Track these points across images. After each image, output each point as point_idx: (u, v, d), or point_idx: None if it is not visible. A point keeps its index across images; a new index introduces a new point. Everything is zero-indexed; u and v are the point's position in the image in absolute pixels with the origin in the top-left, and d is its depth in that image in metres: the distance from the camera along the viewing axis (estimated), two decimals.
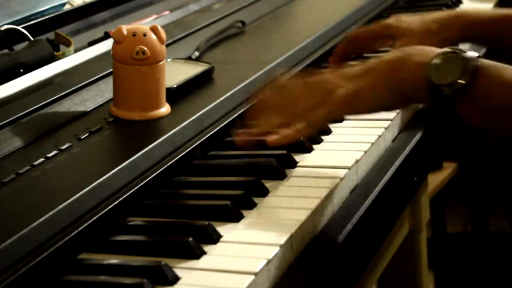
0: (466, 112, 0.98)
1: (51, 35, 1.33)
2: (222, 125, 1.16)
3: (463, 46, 1.04)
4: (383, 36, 1.38)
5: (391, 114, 1.24)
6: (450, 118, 0.98)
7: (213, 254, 0.88)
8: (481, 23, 1.31)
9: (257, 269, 0.84)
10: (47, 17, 1.36)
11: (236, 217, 0.95)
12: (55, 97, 1.17)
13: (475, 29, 1.31)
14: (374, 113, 1.10)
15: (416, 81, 0.99)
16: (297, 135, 1.05)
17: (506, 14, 1.31)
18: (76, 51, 1.32)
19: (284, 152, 1.09)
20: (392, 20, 1.40)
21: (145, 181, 1.00)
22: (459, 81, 0.97)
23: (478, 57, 0.98)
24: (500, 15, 1.32)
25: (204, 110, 1.16)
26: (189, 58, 1.36)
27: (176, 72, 1.25)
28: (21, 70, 1.21)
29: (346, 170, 1.06)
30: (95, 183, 0.95)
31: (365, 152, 1.12)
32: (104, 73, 1.26)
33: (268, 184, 1.03)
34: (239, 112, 1.20)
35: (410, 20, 1.38)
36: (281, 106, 1.08)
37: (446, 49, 1.00)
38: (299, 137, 1.06)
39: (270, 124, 1.07)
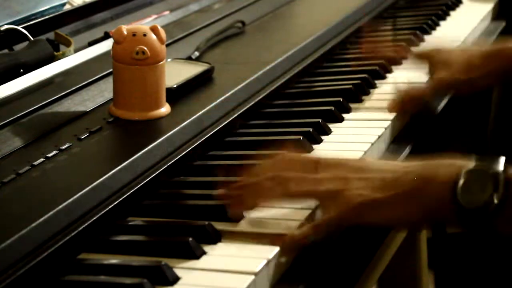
0: (502, 227, 0.88)
1: (51, 35, 1.33)
2: (222, 125, 1.16)
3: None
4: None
5: (391, 115, 1.24)
6: (488, 236, 0.89)
7: (213, 254, 0.88)
8: None
9: (257, 269, 0.84)
10: (47, 17, 1.36)
11: (236, 217, 0.95)
12: (55, 97, 1.17)
13: None
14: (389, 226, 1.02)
15: (443, 203, 0.89)
16: (302, 240, 0.92)
17: None
18: (76, 51, 1.32)
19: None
20: (432, 51, 1.35)
21: (145, 181, 1.00)
22: (493, 200, 0.87)
23: (506, 165, 0.89)
24: None
25: (204, 110, 1.16)
26: (189, 58, 1.36)
27: (176, 72, 1.25)
28: (21, 70, 1.21)
29: None
30: (95, 183, 0.95)
31: (365, 152, 1.12)
32: (104, 73, 1.26)
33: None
34: (239, 112, 1.20)
35: (450, 51, 1.33)
36: (286, 183, 0.95)
37: (472, 165, 0.89)
38: (303, 241, 0.93)
39: (266, 192, 0.96)
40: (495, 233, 0.88)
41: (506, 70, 1.27)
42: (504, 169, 0.88)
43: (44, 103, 1.15)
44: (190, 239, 0.88)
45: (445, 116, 1.37)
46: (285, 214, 0.96)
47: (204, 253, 0.88)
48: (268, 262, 0.86)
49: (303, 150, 1.13)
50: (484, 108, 1.83)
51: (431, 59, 1.34)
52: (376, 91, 1.38)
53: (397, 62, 1.45)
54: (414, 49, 1.47)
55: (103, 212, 0.93)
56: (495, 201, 0.86)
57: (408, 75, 1.41)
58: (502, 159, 0.89)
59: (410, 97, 1.29)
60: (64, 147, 1.04)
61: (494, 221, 0.87)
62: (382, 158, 1.16)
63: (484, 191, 0.87)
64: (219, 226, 0.93)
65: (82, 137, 1.07)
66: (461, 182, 0.88)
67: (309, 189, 0.94)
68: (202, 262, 0.87)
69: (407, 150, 1.18)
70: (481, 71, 1.28)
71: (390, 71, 1.45)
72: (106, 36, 1.39)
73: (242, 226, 0.94)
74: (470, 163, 0.90)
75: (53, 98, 1.17)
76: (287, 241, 0.90)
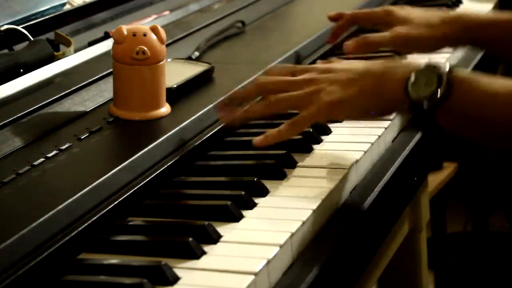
0: (446, 122, 1.02)
1: (51, 35, 1.33)
2: (222, 125, 1.16)
3: (455, 54, 1.09)
4: (382, 22, 1.38)
5: (391, 116, 1.24)
6: (432, 128, 1.04)
7: (213, 254, 0.88)
8: (482, 25, 1.32)
9: (257, 269, 0.84)
10: (47, 17, 1.36)
11: (236, 217, 0.95)
12: (55, 97, 1.17)
13: (475, 30, 1.32)
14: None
15: (397, 96, 1.04)
16: (279, 136, 1.08)
17: (508, 19, 1.31)
18: (76, 51, 1.32)
19: (284, 152, 1.09)
20: (395, 7, 1.40)
21: (145, 181, 1.00)
22: (437, 93, 1.01)
23: (452, 68, 1.03)
24: (502, 20, 1.32)
25: (204, 110, 1.16)
26: (189, 58, 1.36)
27: (176, 72, 1.25)
28: (21, 70, 1.21)
29: (346, 170, 1.06)
30: (95, 183, 0.95)
31: (365, 152, 1.12)
32: (104, 73, 1.26)
33: (268, 184, 1.03)
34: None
35: (412, 10, 1.38)
36: (265, 85, 1.13)
37: (422, 65, 1.04)
38: (282, 139, 1.09)
39: (252, 110, 1.12)
40: (436, 125, 1.03)
41: (461, 36, 1.33)
42: (449, 69, 1.02)
43: (44, 103, 1.15)
44: (190, 239, 0.88)
45: None
46: (285, 214, 0.96)
47: (204, 253, 0.88)
48: (268, 262, 0.86)
49: (303, 150, 1.13)
50: None
51: (393, 15, 1.37)
52: None
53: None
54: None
55: (103, 212, 0.93)
56: (438, 95, 1.01)
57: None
58: (449, 64, 1.03)
59: (368, 40, 1.34)
60: (64, 147, 1.04)
61: (436, 112, 1.01)
62: (381, 158, 1.16)
63: (429, 86, 1.02)
64: (219, 226, 0.93)
65: (82, 137, 1.07)
66: (412, 78, 1.03)
67: (284, 95, 1.09)
68: (202, 262, 0.87)
69: (407, 151, 1.18)
70: (437, 32, 1.33)
71: None
72: (106, 36, 1.39)
73: (242, 226, 0.94)
74: (421, 64, 1.05)
75: (53, 98, 1.17)
76: (268, 136, 1.08)
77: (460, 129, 1.03)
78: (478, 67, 1.47)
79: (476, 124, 1.02)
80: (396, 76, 1.05)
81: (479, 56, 1.50)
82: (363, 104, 1.07)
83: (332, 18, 1.47)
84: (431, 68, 1.03)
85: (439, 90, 1.01)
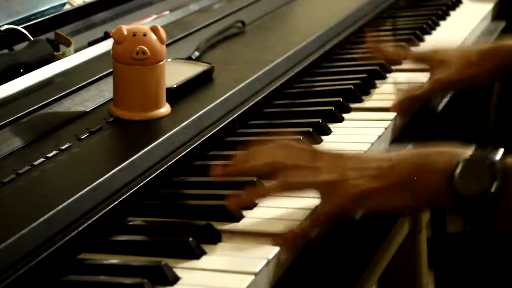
0: (499, 218, 0.88)
1: (51, 35, 1.33)
2: (222, 125, 1.16)
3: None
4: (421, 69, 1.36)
5: (391, 115, 1.24)
6: (484, 225, 0.90)
7: (213, 254, 0.88)
8: None
9: (257, 269, 0.84)
10: (47, 17, 1.36)
11: (236, 217, 0.95)
12: (55, 97, 1.17)
13: None
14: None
15: (439, 192, 0.90)
16: (302, 235, 0.93)
17: None
18: (76, 51, 1.32)
19: None
20: (429, 51, 1.36)
21: (145, 181, 1.00)
22: (490, 189, 0.87)
23: (504, 155, 0.89)
24: None
25: (204, 110, 1.16)
26: (189, 58, 1.36)
27: (176, 72, 1.25)
28: (21, 70, 1.21)
29: None
30: (95, 183, 0.95)
31: (365, 152, 1.12)
32: (104, 73, 1.26)
33: (268, 184, 1.03)
34: (239, 112, 1.20)
35: (447, 50, 1.34)
36: (276, 164, 0.97)
37: (469, 154, 0.90)
38: (303, 237, 0.94)
39: (266, 190, 0.98)
40: (492, 225, 0.88)
41: (503, 67, 1.28)
42: (501, 158, 0.88)
43: (44, 103, 1.15)
44: (190, 239, 0.88)
45: (446, 116, 1.37)
46: (285, 214, 0.96)
47: (204, 253, 0.88)
48: (268, 262, 0.86)
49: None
50: (484, 107, 1.83)
51: (429, 60, 1.34)
52: (376, 91, 1.38)
53: (397, 62, 1.45)
54: (413, 49, 1.48)
55: (103, 212, 0.93)
56: (493, 189, 0.86)
57: (408, 75, 1.42)
58: (500, 150, 0.89)
59: (410, 97, 1.29)
60: (64, 147, 1.04)
61: (491, 210, 0.87)
62: None
63: (481, 180, 0.87)
64: (219, 226, 0.93)
65: (82, 137, 1.07)
66: (458, 169, 0.88)
67: (308, 180, 0.94)
68: (202, 262, 0.87)
69: None
70: (478, 69, 1.29)
71: (390, 71, 1.45)
72: (106, 36, 1.39)
73: (242, 226, 0.94)
74: (466, 152, 0.90)
75: (53, 98, 1.17)
76: (289, 237, 0.91)
77: None
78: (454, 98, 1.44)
79: None
80: (436, 167, 0.90)
81: None
82: (393, 199, 0.92)
83: (368, 47, 1.42)
84: (481, 157, 0.89)
85: (494, 184, 0.86)
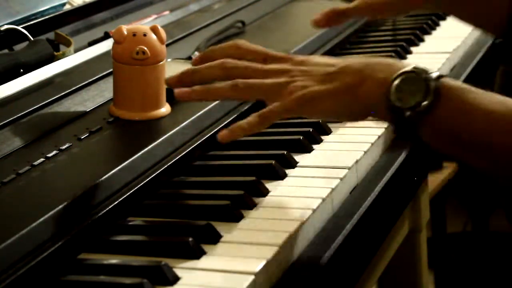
0: (427, 136, 0.92)
1: (51, 35, 1.33)
2: (222, 125, 1.16)
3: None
4: None
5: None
6: (412, 139, 0.94)
7: (213, 254, 0.88)
8: None
9: (257, 269, 0.84)
10: (47, 17, 1.36)
11: (236, 217, 0.95)
12: (55, 97, 1.17)
13: None
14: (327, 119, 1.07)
15: (377, 100, 0.94)
16: (249, 129, 0.98)
17: None
18: (76, 51, 1.32)
19: (284, 152, 1.09)
20: None
21: (145, 181, 1.00)
22: (421, 103, 0.91)
23: (441, 76, 0.92)
24: None
25: (204, 110, 1.16)
26: (189, 58, 1.36)
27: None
28: (21, 70, 1.21)
29: (346, 170, 1.06)
30: (95, 183, 0.95)
31: (365, 152, 1.12)
32: (104, 73, 1.26)
33: (268, 184, 1.03)
34: (239, 112, 1.20)
35: None
36: (232, 70, 1.01)
37: (409, 68, 0.93)
38: (251, 132, 0.99)
39: (215, 91, 1.01)
40: (417, 137, 0.92)
41: None
42: (437, 77, 0.92)
43: (44, 103, 1.15)
44: (190, 239, 0.88)
45: None
46: (285, 214, 0.96)
47: (204, 253, 0.88)
48: (268, 262, 0.86)
49: (303, 150, 1.13)
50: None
51: None
52: None
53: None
54: None
55: (103, 212, 0.93)
56: (424, 104, 0.90)
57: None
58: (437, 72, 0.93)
59: (335, 10, 1.26)
60: (64, 147, 1.04)
61: (420, 124, 0.91)
62: (381, 158, 1.16)
63: (415, 94, 0.91)
64: (219, 226, 0.93)
65: (82, 137, 1.07)
66: (396, 82, 0.92)
67: (254, 82, 0.99)
68: (202, 262, 0.87)
69: (407, 151, 1.18)
70: None
71: None
72: (106, 36, 1.39)
73: (242, 225, 0.94)
74: (407, 66, 0.94)
75: (53, 98, 1.17)
76: (236, 130, 0.97)
77: (445, 146, 0.93)
78: (476, 70, 1.45)
79: (461, 142, 0.92)
80: (377, 76, 0.94)
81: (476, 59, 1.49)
82: (337, 104, 0.96)
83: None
84: (419, 73, 0.92)
85: (426, 100, 0.90)
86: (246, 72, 1.01)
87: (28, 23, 1.31)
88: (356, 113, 0.98)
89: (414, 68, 0.93)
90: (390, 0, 1.26)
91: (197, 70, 1.03)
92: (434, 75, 0.92)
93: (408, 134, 0.93)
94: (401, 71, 0.93)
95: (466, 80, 1.44)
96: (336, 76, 0.97)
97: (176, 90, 1.02)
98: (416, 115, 0.91)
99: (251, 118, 0.98)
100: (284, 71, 1.00)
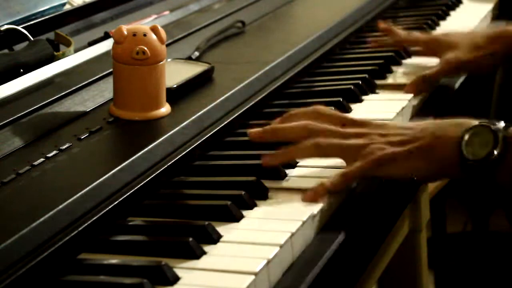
0: (505, 182, 1.00)
1: (51, 35, 1.33)
2: (222, 125, 1.16)
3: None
4: (431, 52, 1.43)
5: (390, 114, 1.24)
6: (490, 188, 1.01)
7: (213, 254, 0.88)
8: None
9: (257, 269, 0.84)
10: (47, 17, 1.36)
11: (236, 217, 0.95)
12: (55, 97, 1.17)
13: None
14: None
15: (450, 158, 1.01)
16: (333, 189, 1.01)
17: None
18: (76, 51, 1.32)
19: None
20: (439, 34, 1.44)
21: (145, 181, 1.00)
22: (493, 153, 0.99)
23: (508, 126, 1.00)
24: None
25: (204, 110, 1.16)
26: (189, 58, 1.36)
27: (176, 72, 1.25)
28: (21, 70, 1.21)
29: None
30: (95, 183, 0.95)
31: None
32: (104, 73, 1.26)
33: (268, 184, 1.03)
34: (239, 112, 1.20)
35: (456, 34, 1.41)
36: (315, 131, 1.07)
37: (475, 123, 1.02)
38: (334, 192, 1.01)
39: (299, 151, 1.06)
40: (495, 184, 1.00)
41: (508, 50, 1.34)
42: (504, 127, 1.00)
43: (44, 103, 1.15)
44: (190, 239, 0.88)
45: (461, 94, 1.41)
46: (285, 214, 0.96)
47: (204, 253, 0.88)
48: (268, 262, 0.86)
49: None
50: (487, 91, 1.84)
51: (439, 43, 1.41)
52: (376, 90, 1.38)
53: (409, 46, 1.50)
54: (423, 34, 1.51)
55: (103, 212, 0.93)
56: (495, 153, 0.99)
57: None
58: (502, 121, 1.01)
59: (422, 77, 1.35)
60: (64, 147, 1.04)
61: (494, 172, 0.99)
62: None
63: (485, 146, 0.99)
64: (219, 226, 0.93)
65: (82, 137, 1.07)
66: (466, 137, 1.01)
67: (336, 142, 1.05)
68: (202, 262, 0.87)
69: None
70: (485, 51, 1.35)
71: (390, 71, 1.45)
72: (106, 36, 1.39)
73: (242, 225, 0.94)
74: (473, 122, 1.02)
75: (53, 98, 1.17)
76: (320, 189, 0.99)
77: None
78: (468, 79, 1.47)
79: None
80: (448, 135, 1.02)
81: None
82: (414, 165, 1.03)
83: (382, 29, 1.51)
84: (485, 126, 1.01)
85: (495, 150, 0.99)
86: (327, 134, 1.06)
87: (28, 23, 1.31)
88: (432, 175, 1.05)
89: (481, 121, 1.02)
90: (475, 59, 1.37)
91: (281, 129, 1.09)
92: (501, 125, 1.01)
93: (485, 184, 1.00)
94: (469, 126, 1.01)
95: (466, 80, 1.44)
96: (412, 139, 1.04)
97: (263, 158, 1.06)
98: (490, 165, 0.99)
99: (334, 178, 1.01)
100: (363, 134, 1.06)
